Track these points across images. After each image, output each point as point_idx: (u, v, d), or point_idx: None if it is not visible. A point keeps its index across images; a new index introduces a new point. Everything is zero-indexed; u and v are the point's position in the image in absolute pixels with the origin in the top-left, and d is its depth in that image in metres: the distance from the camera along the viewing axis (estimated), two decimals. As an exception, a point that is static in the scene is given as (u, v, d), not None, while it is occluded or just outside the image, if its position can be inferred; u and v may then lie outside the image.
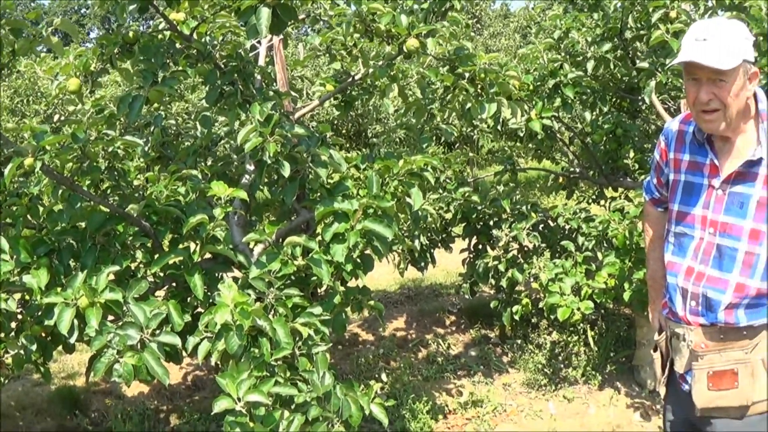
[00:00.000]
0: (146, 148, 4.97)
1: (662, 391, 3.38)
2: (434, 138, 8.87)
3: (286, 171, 3.81)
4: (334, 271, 3.88)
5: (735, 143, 2.90)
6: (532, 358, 6.30)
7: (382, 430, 5.32)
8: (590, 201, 7.43)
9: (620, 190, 7.02)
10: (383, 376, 6.07)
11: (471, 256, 6.63)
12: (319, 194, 4.24)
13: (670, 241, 3.16)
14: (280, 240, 4.07)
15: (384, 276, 8.98)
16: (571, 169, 7.16)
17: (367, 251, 3.96)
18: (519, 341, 6.64)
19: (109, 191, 4.26)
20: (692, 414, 3.10)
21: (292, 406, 3.44)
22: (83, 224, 3.91)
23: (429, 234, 6.38)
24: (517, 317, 6.13)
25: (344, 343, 6.96)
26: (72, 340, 3.53)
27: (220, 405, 3.20)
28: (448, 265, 9.12)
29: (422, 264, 6.38)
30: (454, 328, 7.41)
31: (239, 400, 3.20)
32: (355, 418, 3.55)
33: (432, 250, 6.50)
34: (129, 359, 3.31)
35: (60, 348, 3.90)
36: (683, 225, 3.07)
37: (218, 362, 3.54)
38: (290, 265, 3.81)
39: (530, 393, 6.01)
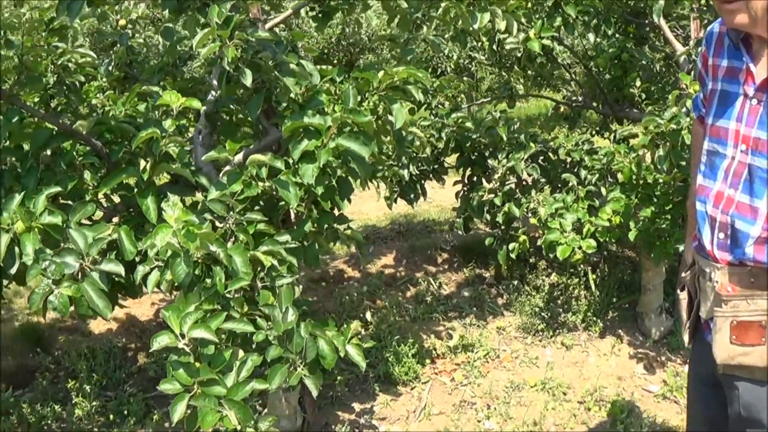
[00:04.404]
0: (110, 68, 4.61)
1: (686, 337, 2.92)
2: (428, 67, 8.47)
3: (248, 80, 3.33)
4: (304, 195, 3.46)
5: None
6: (529, 300, 5.96)
7: (363, 375, 4.96)
8: (593, 133, 7.01)
9: (625, 122, 6.63)
10: (368, 316, 5.70)
11: (465, 189, 6.19)
12: (290, 110, 3.80)
13: (702, 162, 2.67)
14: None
15: (373, 210, 8.62)
16: (574, 98, 6.79)
17: (343, 173, 3.54)
18: (515, 282, 6.30)
19: (59, 109, 3.85)
20: (717, 370, 2.66)
21: (253, 346, 3.04)
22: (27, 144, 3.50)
23: (419, 164, 5.97)
24: (513, 256, 5.73)
25: (328, 280, 6.61)
26: (12, 271, 3.10)
27: (160, 341, 2.74)
28: (442, 201, 8.78)
29: (412, 195, 5.97)
30: (446, 267, 7.04)
31: (183, 336, 2.77)
32: (329, 360, 3.16)
33: (423, 182, 6.08)
34: (66, 290, 2.92)
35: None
36: (715, 141, 2.56)
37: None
38: (254, 186, 3.37)
39: (526, 338, 5.66)
